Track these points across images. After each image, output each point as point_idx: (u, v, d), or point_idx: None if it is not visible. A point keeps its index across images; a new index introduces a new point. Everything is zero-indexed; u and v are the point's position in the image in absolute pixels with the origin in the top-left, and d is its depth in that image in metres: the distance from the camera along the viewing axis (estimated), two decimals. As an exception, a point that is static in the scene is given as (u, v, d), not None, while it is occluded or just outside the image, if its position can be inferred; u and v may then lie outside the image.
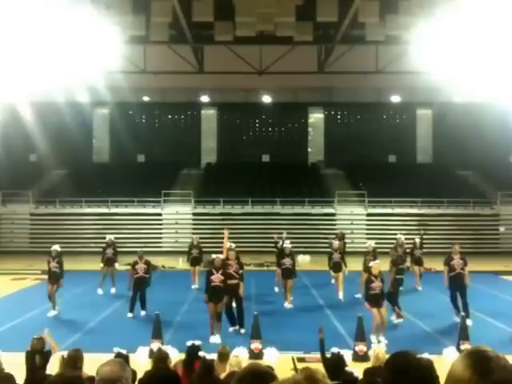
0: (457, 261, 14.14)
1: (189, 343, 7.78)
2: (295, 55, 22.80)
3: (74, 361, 6.51)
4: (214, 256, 13.30)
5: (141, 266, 15.06)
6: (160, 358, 6.85)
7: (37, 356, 7.62)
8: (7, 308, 16.16)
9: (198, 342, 7.76)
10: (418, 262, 19.25)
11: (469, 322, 12.51)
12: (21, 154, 35.36)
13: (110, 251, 18.79)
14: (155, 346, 10.34)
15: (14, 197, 31.85)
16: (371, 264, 12.96)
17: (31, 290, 19.48)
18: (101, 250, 19.27)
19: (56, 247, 15.65)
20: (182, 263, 20.08)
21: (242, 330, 12.98)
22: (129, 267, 15.95)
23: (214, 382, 6.59)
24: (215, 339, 11.75)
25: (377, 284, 12.16)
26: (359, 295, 16.21)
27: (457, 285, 13.96)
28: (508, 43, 17.24)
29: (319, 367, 7.48)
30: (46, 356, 7.75)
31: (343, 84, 33.14)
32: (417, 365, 2.00)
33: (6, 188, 31.60)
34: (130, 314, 14.76)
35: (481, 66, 19.25)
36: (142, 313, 14.92)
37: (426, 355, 7.24)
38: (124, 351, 7.23)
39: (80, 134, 35.03)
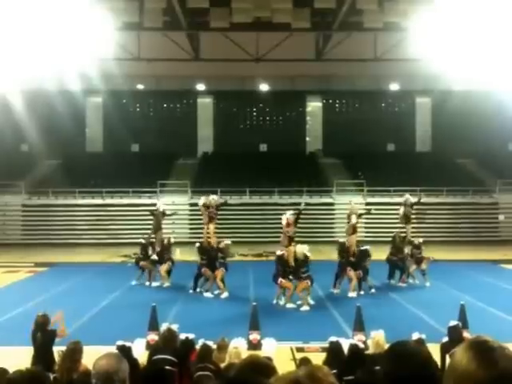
0: None
1: (182, 337, 7.58)
2: (293, 42, 22.35)
3: (71, 354, 6.47)
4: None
5: None
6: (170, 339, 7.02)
7: (38, 333, 7.76)
8: (1, 302, 15.86)
9: (191, 336, 7.59)
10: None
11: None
12: (12, 144, 34.80)
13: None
14: (151, 337, 10.27)
15: (5, 188, 31.31)
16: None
17: (24, 283, 19.21)
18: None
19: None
20: (179, 254, 19.77)
21: None
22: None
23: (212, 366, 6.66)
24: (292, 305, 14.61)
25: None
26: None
27: None
28: (507, 31, 17.00)
29: (317, 357, 7.23)
30: (48, 334, 7.80)
31: (341, 72, 32.71)
32: (416, 353, 2.06)
33: (-3, 179, 31.12)
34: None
35: (480, 54, 19.02)
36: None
37: (416, 334, 7.00)
38: (127, 343, 7.12)
39: (72, 123, 34.38)
